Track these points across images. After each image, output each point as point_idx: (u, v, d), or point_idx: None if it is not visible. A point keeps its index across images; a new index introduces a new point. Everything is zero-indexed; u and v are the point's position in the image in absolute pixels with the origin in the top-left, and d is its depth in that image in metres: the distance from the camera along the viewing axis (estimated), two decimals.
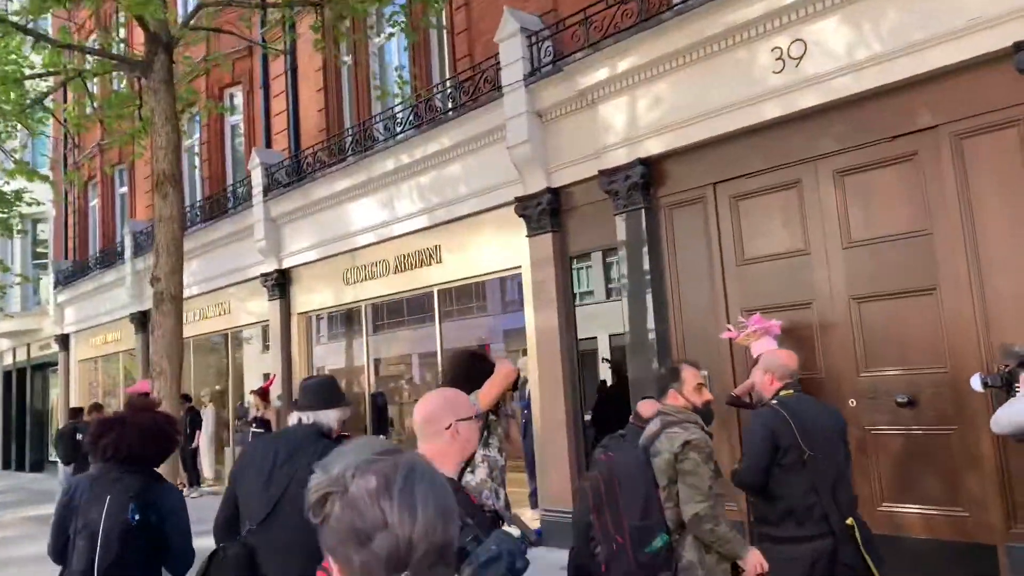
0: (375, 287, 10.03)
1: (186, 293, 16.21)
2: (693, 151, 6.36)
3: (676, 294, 6.54)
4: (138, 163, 16.66)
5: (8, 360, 23.56)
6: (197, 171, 16.52)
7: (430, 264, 9.16)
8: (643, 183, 6.58)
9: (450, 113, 8.53)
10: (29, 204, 12.99)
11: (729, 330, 6.06)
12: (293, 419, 3.22)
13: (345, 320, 11.12)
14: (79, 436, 9.90)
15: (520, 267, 7.97)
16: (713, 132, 6.15)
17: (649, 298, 6.56)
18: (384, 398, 10.68)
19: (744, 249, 6.16)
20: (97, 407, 10.69)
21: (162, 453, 3.32)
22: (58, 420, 19.82)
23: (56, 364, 20.64)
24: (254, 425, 10.56)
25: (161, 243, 6.54)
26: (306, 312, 11.40)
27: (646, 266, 6.62)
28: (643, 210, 6.61)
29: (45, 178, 10.90)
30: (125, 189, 17.42)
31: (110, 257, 16.85)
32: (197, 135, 16.23)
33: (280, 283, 11.51)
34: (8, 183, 12.15)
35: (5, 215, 12.74)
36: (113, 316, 16.76)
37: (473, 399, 3.63)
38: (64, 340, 19.35)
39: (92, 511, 3.10)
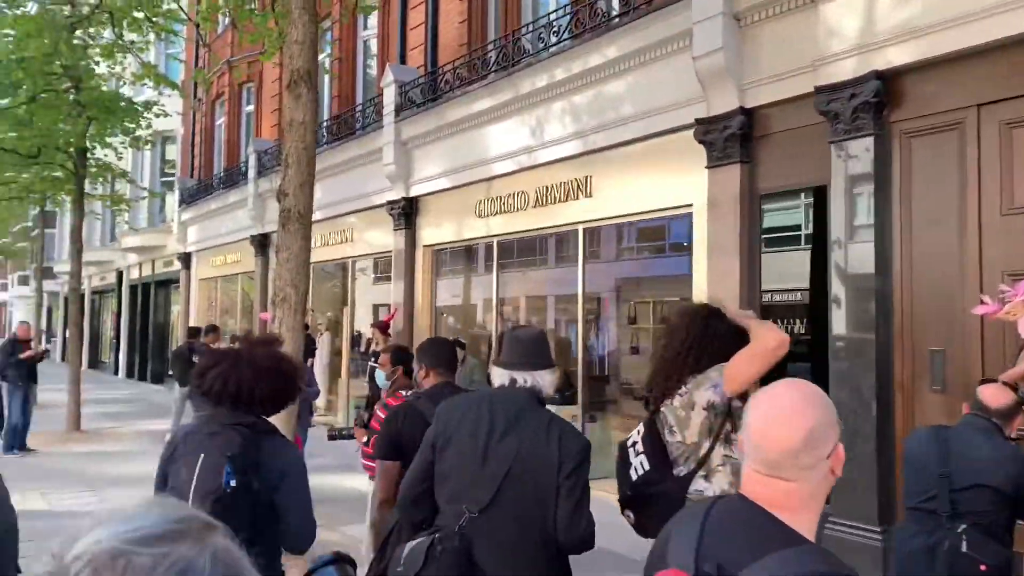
0: (511, 221, 9.04)
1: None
2: (952, 63, 4.94)
3: (907, 249, 5.20)
4: (265, 81, 16.18)
5: (135, 274, 24.22)
6: (326, 89, 16.03)
7: (578, 198, 8.05)
8: (876, 103, 5.21)
9: (619, 19, 7.29)
10: (157, 115, 12.61)
11: (984, 302, 4.67)
12: (502, 378, 2.64)
13: (473, 255, 10.22)
14: (195, 358, 9.50)
15: (691, 205, 6.76)
16: (986, 37, 4.71)
17: (871, 250, 5.25)
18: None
19: (1015, 194, 4.74)
20: (213, 328, 10.28)
21: (278, 399, 2.53)
22: (178, 336, 20.18)
23: (178, 281, 20.96)
24: (372, 359, 9.92)
25: (291, 152, 5.70)
26: (432, 245, 10.57)
27: (868, 209, 5.29)
28: (872, 137, 5.25)
29: (173, 84, 10.43)
30: (251, 107, 17.03)
31: (234, 177, 16.58)
32: (328, 51, 15.67)
33: (407, 212, 10.70)
34: (140, 87, 11.74)
35: (133, 127, 12.39)
36: (234, 237, 16.56)
37: (716, 375, 2.58)
38: (186, 258, 19.49)
39: (183, 472, 2.42)
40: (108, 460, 9.82)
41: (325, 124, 13.66)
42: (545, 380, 2.62)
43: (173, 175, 21.44)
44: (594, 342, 8.58)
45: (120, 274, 25.32)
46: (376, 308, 12.65)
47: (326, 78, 14.20)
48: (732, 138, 6.19)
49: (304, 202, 5.73)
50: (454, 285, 10.77)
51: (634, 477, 2.70)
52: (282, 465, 2.45)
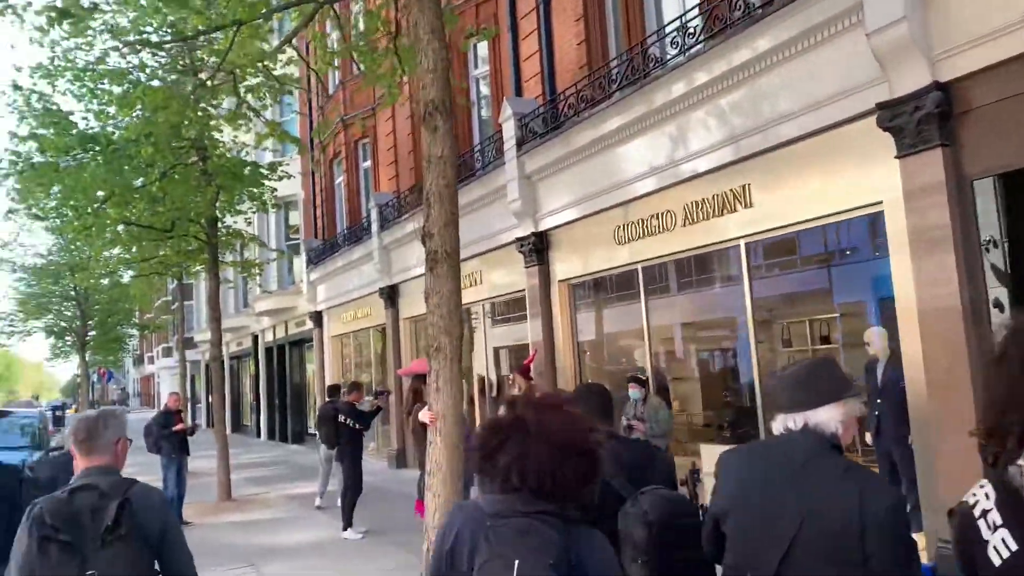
0: (656, 244, 8.34)
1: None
2: None
3: None
4: (379, 135, 16.25)
5: (269, 337, 24.91)
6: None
7: (735, 210, 7.27)
8: None
9: (763, 8, 6.56)
10: (280, 177, 12.75)
11: None
12: (778, 426, 2.25)
13: (615, 285, 9.56)
14: (341, 418, 9.23)
15: (880, 203, 5.88)
16: None
17: None
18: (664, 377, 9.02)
19: None
20: (357, 386, 10.02)
21: (586, 484, 1.84)
22: (315, 395, 20.43)
23: (311, 340, 21.31)
24: None
25: (432, 190, 5.27)
26: (568, 279, 9.99)
27: None
28: None
29: (296, 140, 10.42)
30: (368, 163, 17.16)
31: (357, 233, 16.67)
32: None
33: (538, 248, 10.19)
34: (261, 151, 11.90)
35: (259, 191, 12.56)
36: (362, 292, 16.59)
37: None
38: (317, 317, 19.77)
39: None
40: (261, 530, 9.65)
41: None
42: (825, 416, 2.13)
43: (298, 238, 21.98)
44: (774, 370, 7.69)
45: (255, 338, 26.13)
46: (510, 351, 12.17)
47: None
48: (927, 119, 5.30)
49: (451, 241, 5.28)
50: (596, 319, 10.12)
51: (997, 561, 1.93)
52: (601, 562, 1.82)
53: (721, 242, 7.53)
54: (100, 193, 10.89)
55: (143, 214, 11.32)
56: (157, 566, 2.65)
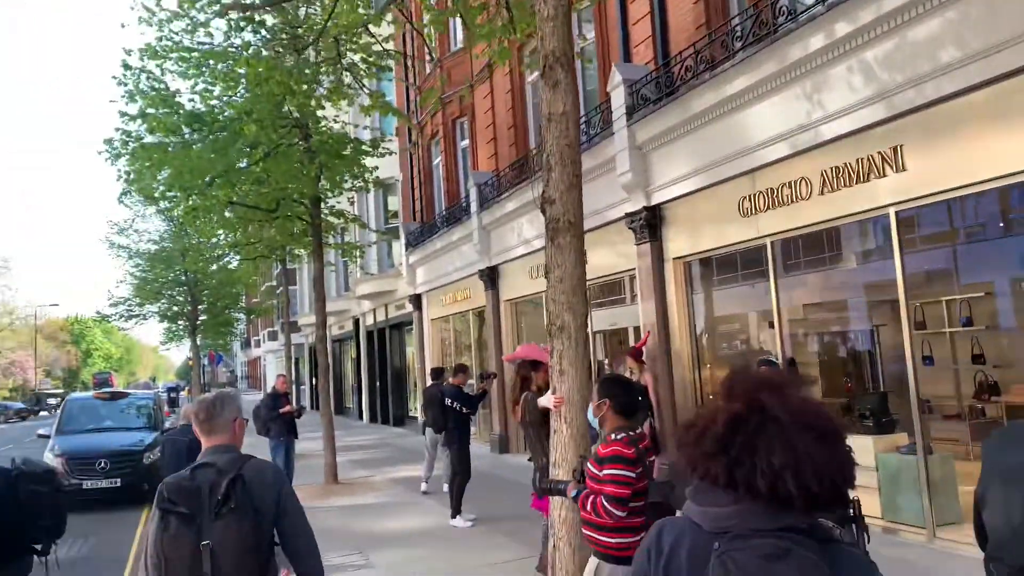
0: (789, 216, 7.60)
1: (535, 247, 15.55)
2: None
3: None
4: (477, 113, 15.90)
5: (369, 320, 25.13)
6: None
7: (884, 174, 6.48)
8: None
9: None
10: (382, 154, 12.54)
11: None
12: None
13: (739, 262, 8.86)
14: (447, 401, 8.91)
15: None
16: None
17: None
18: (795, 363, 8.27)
19: None
20: (462, 368, 9.68)
21: (840, 487, 1.32)
22: (415, 378, 20.43)
23: (410, 323, 21.31)
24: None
25: (552, 151, 4.80)
26: (684, 256, 9.35)
27: None
28: None
29: (399, 112, 10.13)
30: (466, 142, 16.85)
31: (456, 214, 16.41)
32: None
33: (650, 223, 9.59)
34: (363, 128, 11.69)
35: (361, 170, 12.41)
36: (462, 274, 16.34)
37: None
38: (417, 300, 19.69)
39: None
40: (368, 515, 9.47)
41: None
42: None
43: (396, 222, 21.96)
44: (928, 353, 6.89)
45: (356, 321, 26.44)
46: (605, 336, 11.62)
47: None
48: None
49: (574, 208, 4.81)
50: (716, 299, 9.44)
51: None
52: None
53: (867, 211, 6.75)
54: (207, 177, 10.95)
55: (248, 195, 11.31)
56: (277, 538, 2.77)
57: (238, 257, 32.05)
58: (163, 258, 26.04)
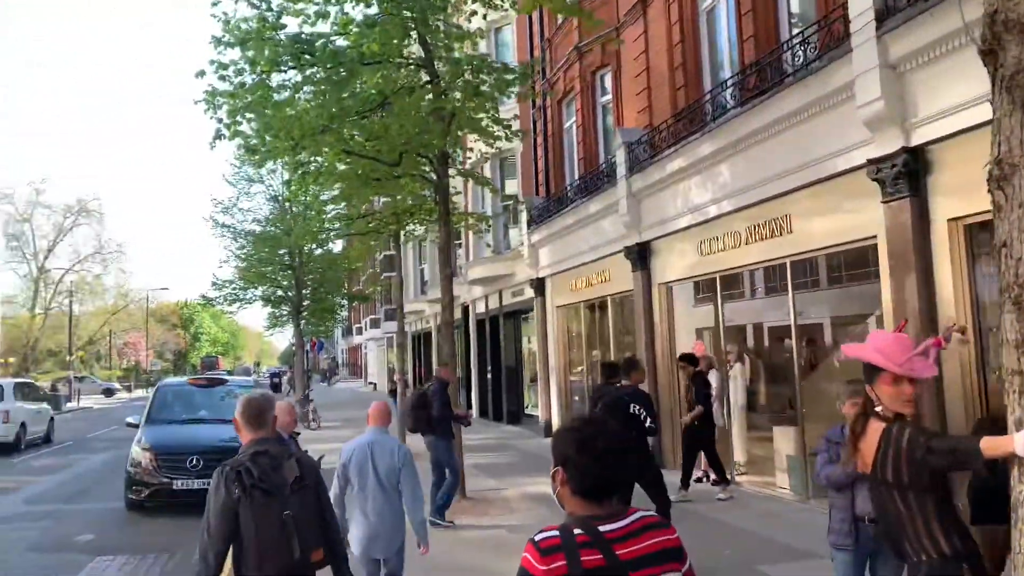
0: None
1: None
2: None
3: None
4: (624, 61, 13.45)
5: (480, 308, 23.09)
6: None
7: None
8: None
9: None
10: (533, 84, 10.32)
11: None
12: None
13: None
14: (632, 408, 6.56)
15: None
16: None
17: None
18: None
19: None
20: (634, 364, 7.34)
21: None
22: (535, 371, 18.22)
23: (528, 311, 19.12)
24: None
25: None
26: (962, 217, 6.68)
27: None
28: None
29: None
30: (608, 97, 14.42)
31: (595, 182, 14.03)
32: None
33: (909, 170, 6.95)
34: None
35: (498, 120, 10.17)
36: (599, 253, 13.97)
37: None
38: (539, 284, 17.46)
39: None
40: (512, 550, 7.25)
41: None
42: None
43: (510, 202, 19.65)
44: None
45: (465, 309, 24.43)
46: (846, 324, 9.03)
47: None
48: None
49: None
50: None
51: None
52: None
53: None
54: (318, 127, 9.02)
55: (366, 149, 9.26)
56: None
57: (341, 240, 30.86)
58: (268, 240, 24.80)
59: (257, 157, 10.55)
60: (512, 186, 20.57)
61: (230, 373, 52.69)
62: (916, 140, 6.89)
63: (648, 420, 6.47)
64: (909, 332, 6.82)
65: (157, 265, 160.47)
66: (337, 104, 8.89)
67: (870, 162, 7.27)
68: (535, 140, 18.04)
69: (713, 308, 10.95)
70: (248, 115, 9.30)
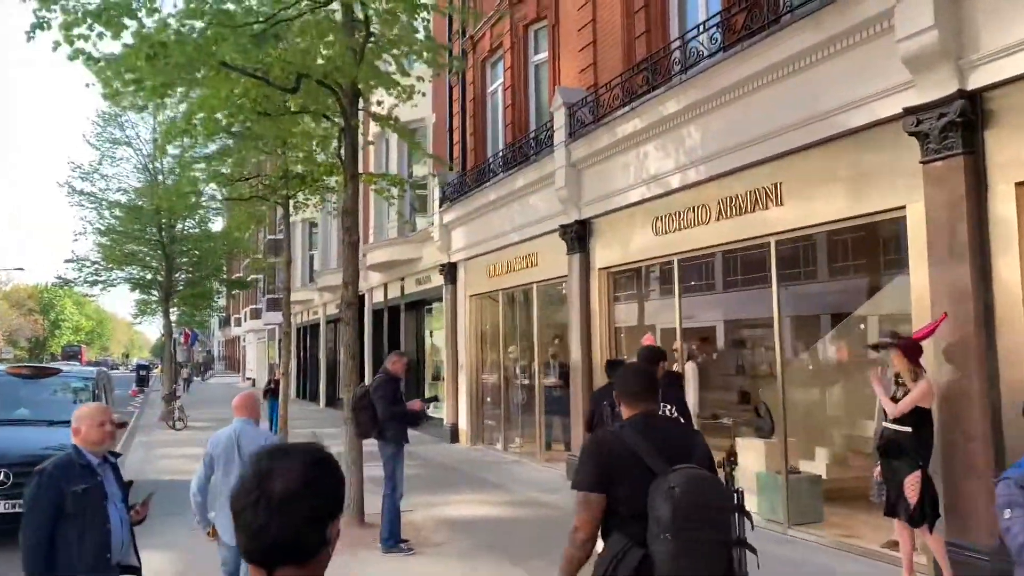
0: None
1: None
2: None
3: None
4: (566, 11, 11.71)
5: (378, 297, 20.88)
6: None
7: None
8: None
9: None
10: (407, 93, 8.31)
11: None
12: None
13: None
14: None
15: None
16: None
17: None
18: None
19: None
20: (662, 355, 5.59)
21: None
22: (442, 367, 16.24)
23: (432, 301, 17.14)
24: None
25: None
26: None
27: None
28: None
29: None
30: (544, 55, 12.58)
31: (524, 151, 12.21)
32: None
33: (965, 120, 5.47)
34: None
35: (423, 46, 8.07)
36: (526, 234, 12.17)
37: None
38: (451, 270, 15.48)
39: None
40: None
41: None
42: None
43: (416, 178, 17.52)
44: None
45: (361, 299, 22.05)
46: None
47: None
48: None
49: None
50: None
51: None
52: None
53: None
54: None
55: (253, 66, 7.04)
56: None
57: (221, 218, 27.70)
58: (134, 209, 21.64)
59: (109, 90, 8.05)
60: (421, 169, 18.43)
61: (96, 364, 47.50)
62: (975, 83, 5.42)
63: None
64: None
65: (11, 244, 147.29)
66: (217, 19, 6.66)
67: (907, 111, 5.76)
68: (451, 108, 16.03)
69: (670, 299, 9.31)
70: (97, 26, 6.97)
